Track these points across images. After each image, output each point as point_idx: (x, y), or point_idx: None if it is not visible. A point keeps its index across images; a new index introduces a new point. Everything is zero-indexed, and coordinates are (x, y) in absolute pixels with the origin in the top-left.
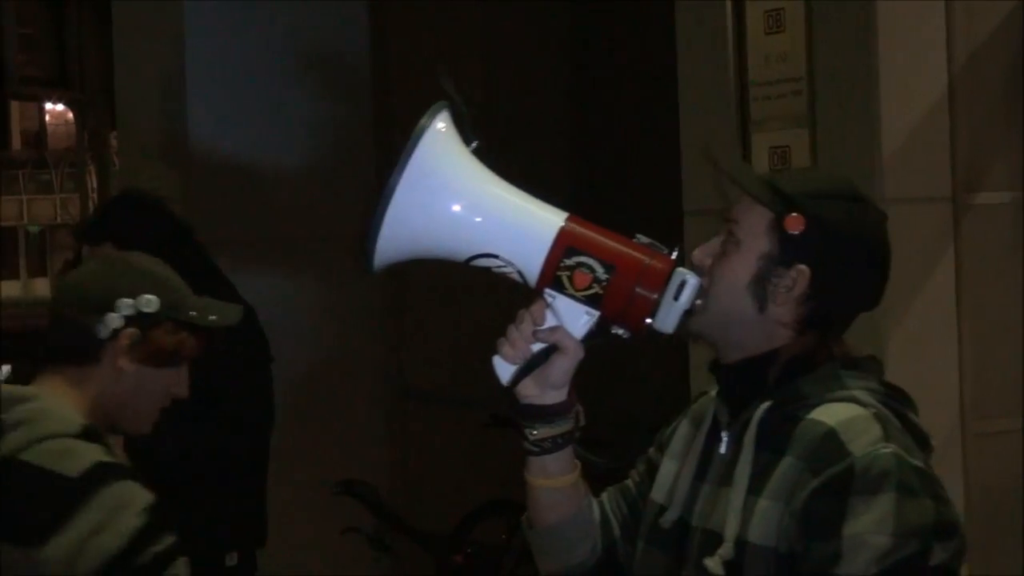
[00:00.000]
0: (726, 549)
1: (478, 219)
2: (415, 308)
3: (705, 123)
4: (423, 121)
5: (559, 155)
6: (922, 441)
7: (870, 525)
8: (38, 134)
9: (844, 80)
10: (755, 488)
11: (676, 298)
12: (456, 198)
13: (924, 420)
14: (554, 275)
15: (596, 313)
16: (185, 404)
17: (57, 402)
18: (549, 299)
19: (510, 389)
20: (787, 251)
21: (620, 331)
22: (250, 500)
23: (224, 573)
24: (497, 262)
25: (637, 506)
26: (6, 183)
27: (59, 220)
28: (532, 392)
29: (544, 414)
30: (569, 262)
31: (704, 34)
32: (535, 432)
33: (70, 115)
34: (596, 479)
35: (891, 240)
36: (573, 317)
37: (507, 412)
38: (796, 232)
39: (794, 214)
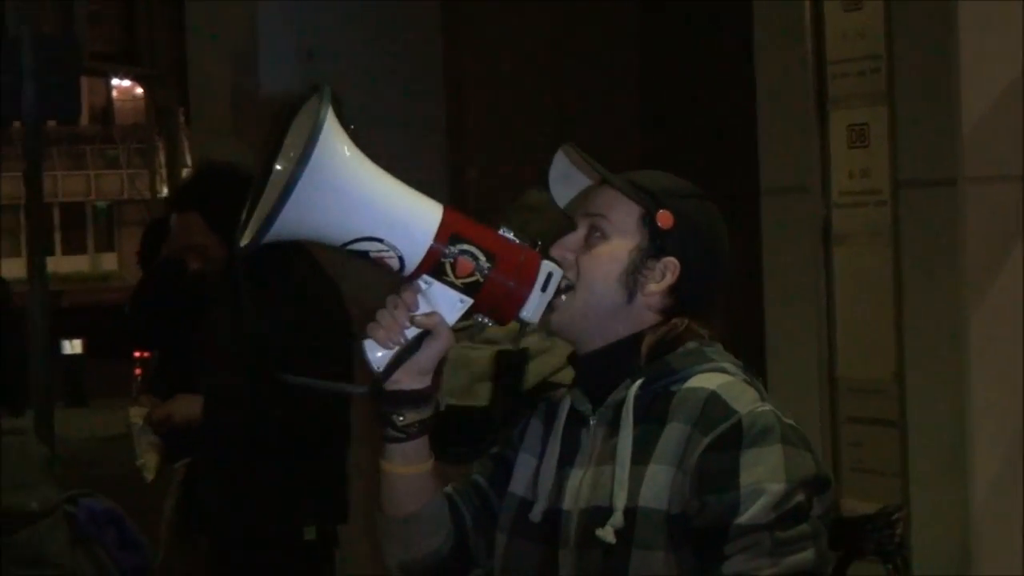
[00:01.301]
0: (616, 518)
1: (367, 205)
2: None
3: (782, 101)
4: (320, 107)
5: (630, 137)
6: None
7: (765, 474)
8: (105, 109)
9: (923, 57)
10: (639, 459)
11: (543, 289)
12: (349, 184)
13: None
14: (437, 261)
15: (469, 301)
16: (261, 375)
17: None
18: (424, 285)
19: (384, 375)
20: (656, 244)
21: (485, 319)
22: (328, 474)
23: (301, 547)
24: (379, 246)
25: (489, 499)
26: (73, 158)
27: (126, 195)
28: (400, 377)
29: (413, 400)
30: (453, 249)
31: (782, 11)
32: (402, 418)
33: (137, 90)
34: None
35: (969, 217)
36: (447, 304)
37: (374, 398)
38: (667, 227)
39: (664, 210)
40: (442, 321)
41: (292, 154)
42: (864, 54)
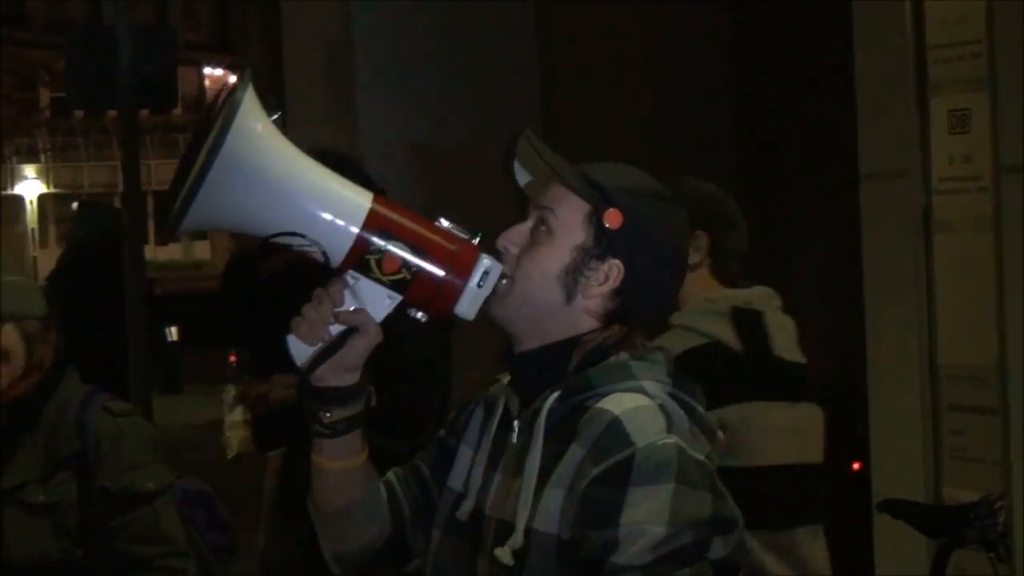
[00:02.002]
0: (515, 539)
1: (287, 195)
2: None
3: (881, 86)
4: (237, 94)
5: (724, 124)
6: (709, 432)
7: (646, 515)
8: (198, 98)
9: None
10: (543, 478)
11: (479, 285)
12: (268, 176)
13: None
14: (361, 258)
15: (399, 297)
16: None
17: None
18: (351, 280)
19: (308, 372)
20: (602, 245)
21: (419, 314)
22: None
23: None
24: (301, 241)
25: (429, 489)
26: (167, 147)
27: None
28: (325, 374)
29: (339, 397)
30: (380, 244)
31: None
32: (329, 415)
33: (230, 79)
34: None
35: None
36: (375, 300)
37: (299, 394)
38: (614, 227)
39: (613, 209)
40: (369, 319)
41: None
42: (965, 39)
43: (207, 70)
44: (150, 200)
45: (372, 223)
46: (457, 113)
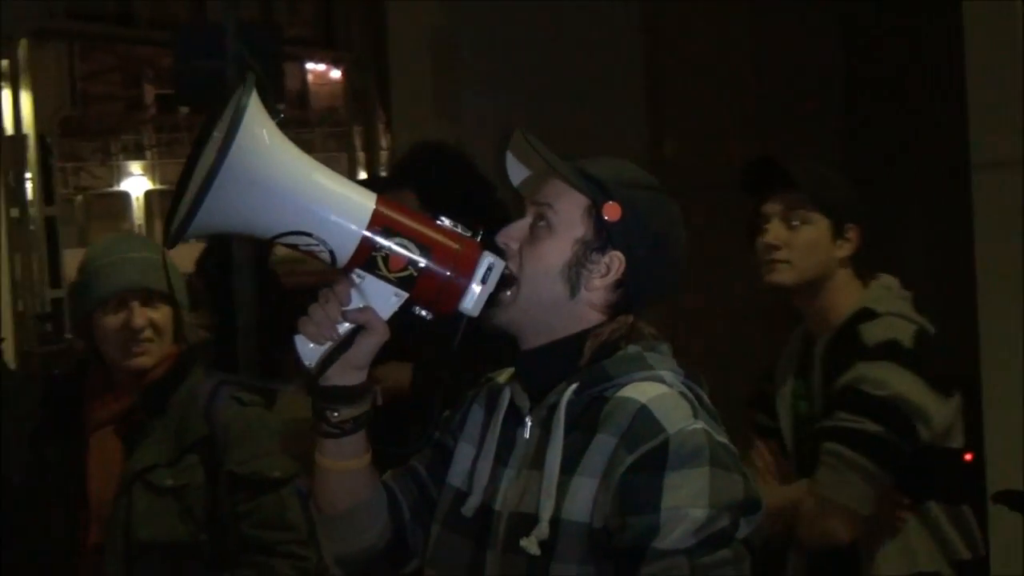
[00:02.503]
0: (541, 529)
1: (294, 197)
2: None
3: (994, 76)
4: (241, 99)
5: (833, 112)
6: (717, 420)
7: (687, 498)
8: (301, 93)
9: None
10: (567, 468)
11: (483, 281)
12: (275, 178)
13: None
14: (368, 256)
15: (405, 295)
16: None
17: None
18: (357, 279)
19: (318, 372)
20: (602, 237)
21: (424, 312)
22: None
23: None
24: (308, 240)
25: (428, 489)
26: None
27: None
28: (332, 373)
29: (348, 395)
30: (385, 243)
31: None
32: (336, 414)
33: (333, 74)
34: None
35: None
36: (381, 298)
37: (308, 394)
38: (613, 219)
39: (611, 202)
40: (375, 316)
41: (216, 144)
42: None
43: (309, 65)
44: None
45: (377, 222)
46: (562, 108)
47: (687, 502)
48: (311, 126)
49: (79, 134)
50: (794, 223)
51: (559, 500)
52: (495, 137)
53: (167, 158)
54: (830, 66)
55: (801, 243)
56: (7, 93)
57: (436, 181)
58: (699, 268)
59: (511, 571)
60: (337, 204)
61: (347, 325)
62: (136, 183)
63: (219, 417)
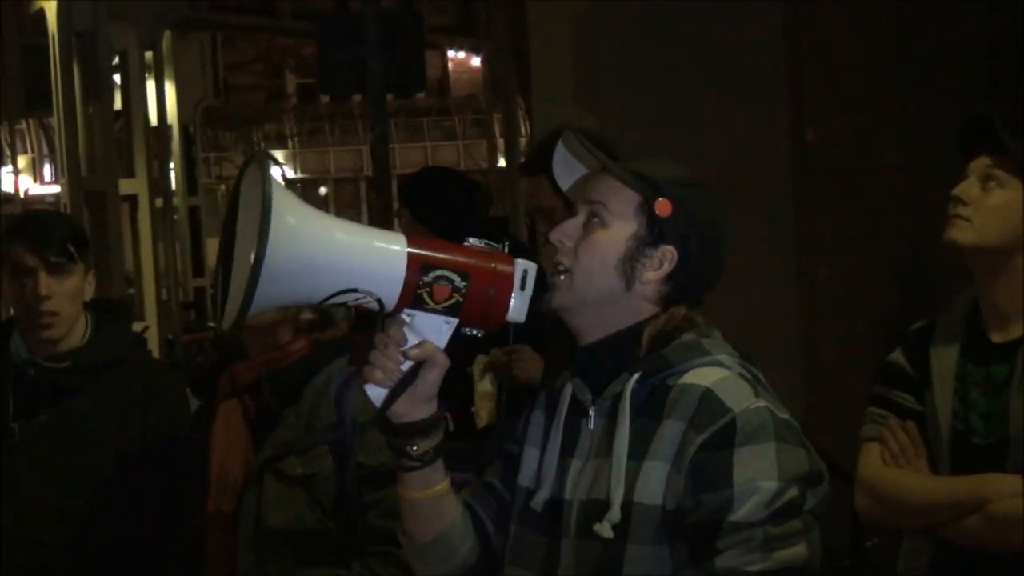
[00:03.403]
0: (613, 513)
1: (335, 263)
2: None
3: None
4: (264, 185)
5: (974, 94)
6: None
7: (758, 472)
8: (441, 81)
9: None
10: (636, 454)
11: (523, 288)
12: (311, 252)
13: None
14: (414, 295)
15: (455, 321)
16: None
17: None
18: (407, 318)
19: (383, 410)
20: (655, 233)
21: (474, 331)
22: None
23: None
24: (356, 295)
25: (504, 499)
26: (410, 131)
27: (463, 166)
28: (405, 410)
29: (423, 428)
30: (427, 279)
31: None
32: (415, 448)
33: (472, 62)
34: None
35: None
36: (433, 330)
37: (383, 433)
38: (665, 215)
39: (663, 199)
40: (434, 348)
41: (248, 233)
42: None
43: (450, 53)
44: (394, 184)
45: (415, 261)
46: (702, 102)
47: (758, 476)
48: (451, 113)
49: (222, 124)
50: (990, 183)
51: (630, 485)
52: (635, 127)
53: (308, 147)
54: (976, 57)
55: (990, 204)
56: (151, 84)
57: (429, 202)
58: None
59: (587, 556)
60: (374, 257)
61: (409, 363)
62: (278, 172)
63: (349, 407)
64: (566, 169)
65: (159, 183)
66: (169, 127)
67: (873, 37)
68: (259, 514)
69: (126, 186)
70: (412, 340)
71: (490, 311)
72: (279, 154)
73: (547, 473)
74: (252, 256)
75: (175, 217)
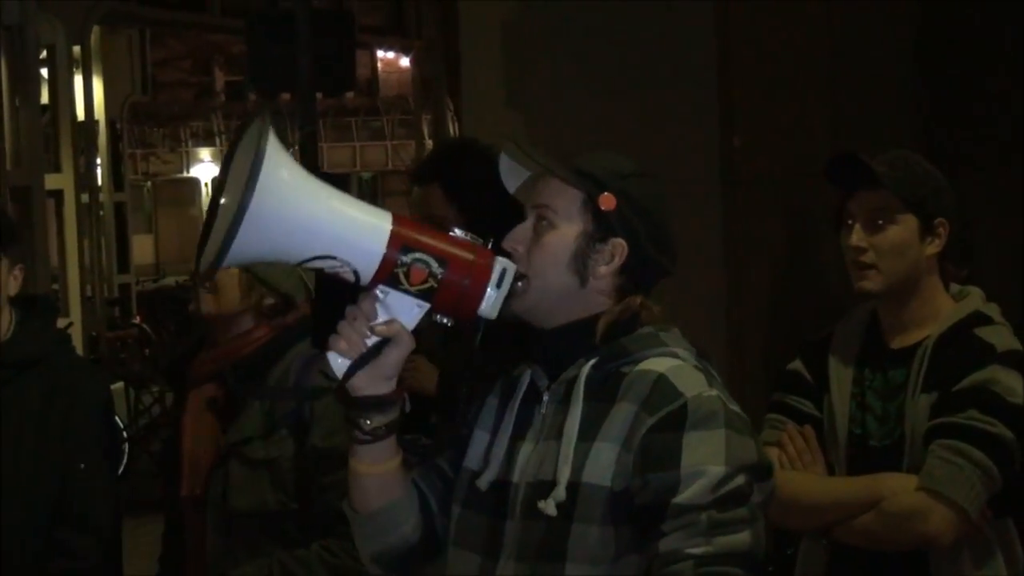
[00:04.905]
0: (558, 492)
1: (317, 225)
2: None
3: None
4: (261, 136)
5: (907, 107)
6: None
7: (706, 456)
8: (370, 81)
9: None
10: (586, 435)
11: (498, 286)
12: (297, 211)
13: None
14: (390, 273)
15: (427, 306)
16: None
17: None
18: (381, 295)
19: (343, 381)
20: (602, 227)
21: (444, 319)
22: None
23: None
24: (333, 263)
25: (451, 481)
26: (339, 130)
27: (390, 166)
28: (364, 384)
29: (379, 404)
30: (405, 259)
31: None
32: (369, 422)
33: (402, 62)
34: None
35: None
36: (405, 310)
37: (340, 403)
38: (609, 209)
39: (606, 193)
40: (401, 328)
41: (239, 183)
42: None
43: (379, 53)
44: None
45: (396, 239)
46: (631, 103)
47: (706, 460)
48: (380, 114)
49: (149, 120)
50: (878, 223)
51: (579, 465)
52: (565, 129)
53: None
54: (908, 63)
55: (888, 245)
56: (79, 79)
57: (461, 175)
58: (774, 257)
59: (530, 536)
60: (357, 228)
61: (375, 338)
62: (205, 169)
63: (306, 392)
64: (512, 175)
65: (85, 178)
66: (96, 122)
67: (804, 43)
68: (226, 497)
69: (52, 181)
70: (382, 317)
71: (462, 302)
72: (207, 152)
73: (496, 455)
74: (238, 200)
75: (101, 213)
